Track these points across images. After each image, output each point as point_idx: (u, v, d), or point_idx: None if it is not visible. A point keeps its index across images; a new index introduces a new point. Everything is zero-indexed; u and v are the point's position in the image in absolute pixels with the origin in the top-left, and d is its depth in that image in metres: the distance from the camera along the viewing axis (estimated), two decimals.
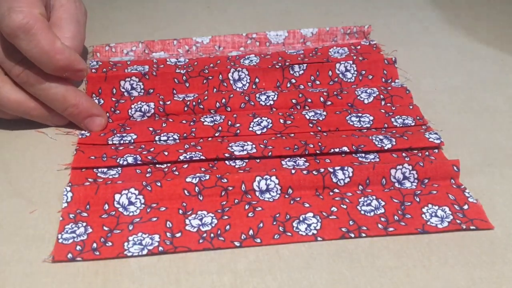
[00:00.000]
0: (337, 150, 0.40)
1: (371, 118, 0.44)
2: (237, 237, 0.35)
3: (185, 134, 0.42)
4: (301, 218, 0.36)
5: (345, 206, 0.37)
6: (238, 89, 0.47)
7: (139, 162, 0.40)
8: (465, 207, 0.37)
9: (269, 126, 0.43)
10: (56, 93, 0.41)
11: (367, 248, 0.34)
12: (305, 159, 0.40)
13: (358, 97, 0.46)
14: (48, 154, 0.41)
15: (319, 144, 0.40)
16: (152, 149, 0.41)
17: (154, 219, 0.36)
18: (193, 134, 0.42)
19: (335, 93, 0.46)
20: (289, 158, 0.40)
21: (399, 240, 0.35)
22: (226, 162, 0.40)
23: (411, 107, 0.45)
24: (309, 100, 0.45)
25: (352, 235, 0.35)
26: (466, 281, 0.32)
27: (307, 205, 0.37)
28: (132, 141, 0.42)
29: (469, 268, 0.33)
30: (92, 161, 0.40)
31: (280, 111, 0.45)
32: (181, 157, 0.40)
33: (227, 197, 0.37)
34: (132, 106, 0.44)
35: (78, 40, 0.44)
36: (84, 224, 0.35)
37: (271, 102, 0.45)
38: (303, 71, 0.48)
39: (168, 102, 0.45)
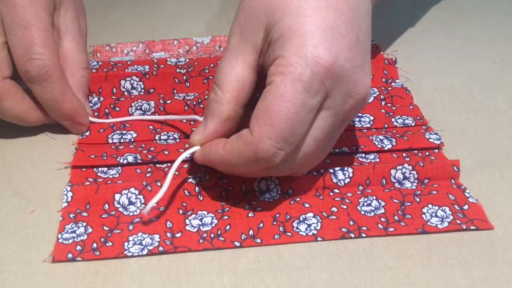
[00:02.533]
0: (337, 150, 0.40)
1: (371, 118, 0.44)
2: (237, 237, 0.35)
3: (185, 134, 0.42)
4: (301, 218, 0.36)
5: (345, 206, 0.37)
6: None
7: (139, 161, 0.40)
8: (465, 207, 0.37)
9: None
10: (54, 94, 0.41)
11: (367, 248, 0.34)
12: None
13: None
14: (48, 153, 0.41)
15: None
16: (152, 148, 0.41)
17: (154, 219, 0.36)
18: None
19: None
20: None
21: (399, 240, 0.35)
22: None
23: (411, 107, 0.45)
24: None
25: (352, 235, 0.35)
26: (466, 281, 0.32)
27: (307, 205, 0.37)
28: (133, 139, 0.42)
29: (469, 268, 0.33)
30: (92, 159, 0.40)
31: None
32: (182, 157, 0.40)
33: (227, 197, 0.37)
34: (132, 104, 0.44)
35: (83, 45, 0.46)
36: (84, 224, 0.35)
37: None
38: None
39: (169, 101, 0.45)
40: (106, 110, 0.44)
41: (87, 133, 0.43)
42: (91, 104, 0.45)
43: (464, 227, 0.35)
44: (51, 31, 0.41)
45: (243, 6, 0.34)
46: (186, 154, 0.36)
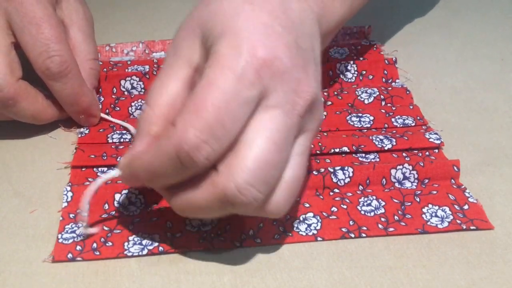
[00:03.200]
0: (337, 150, 0.40)
1: (372, 118, 0.44)
2: (237, 237, 0.35)
3: None
4: (301, 218, 0.36)
5: (345, 206, 0.37)
6: None
7: None
8: (465, 207, 0.37)
9: None
10: (74, 88, 0.41)
11: (367, 248, 0.34)
12: None
13: (359, 97, 0.46)
14: (48, 153, 0.41)
15: (319, 144, 0.40)
16: None
17: (154, 219, 0.36)
18: None
19: (335, 93, 0.46)
20: None
21: (399, 240, 0.35)
22: None
23: (411, 107, 0.45)
24: None
25: (352, 235, 0.35)
26: (466, 281, 0.32)
27: (307, 205, 0.37)
28: (133, 139, 0.42)
29: (469, 268, 0.33)
30: (92, 159, 0.40)
31: None
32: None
33: None
34: (132, 104, 0.44)
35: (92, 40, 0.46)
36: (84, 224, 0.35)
37: None
38: None
39: None
40: (107, 110, 0.44)
41: (87, 132, 0.43)
42: None
43: (464, 227, 0.35)
44: (61, 25, 0.41)
45: (179, 27, 0.33)
46: (104, 179, 0.33)
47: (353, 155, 0.40)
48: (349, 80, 0.48)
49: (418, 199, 0.37)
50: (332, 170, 0.38)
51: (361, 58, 0.49)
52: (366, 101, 0.46)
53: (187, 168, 0.28)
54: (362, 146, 0.40)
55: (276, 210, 0.30)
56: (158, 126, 0.31)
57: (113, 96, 0.45)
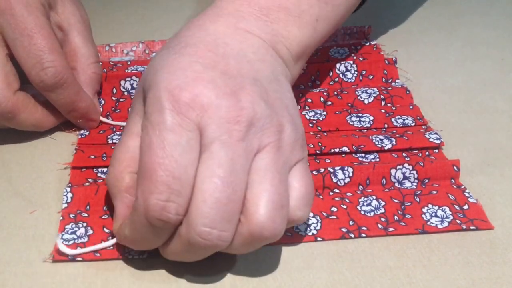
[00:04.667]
0: (337, 150, 0.40)
1: (371, 118, 0.44)
2: None
3: None
4: None
5: (345, 206, 0.37)
6: None
7: None
8: (465, 207, 0.37)
9: None
10: (70, 97, 0.41)
11: (367, 248, 0.34)
12: None
13: (358, 97, 0.46)
14: (48, 154, 0.41)
15: (319, 144, 0.40)
16: None
17: None
18: None
19: (335, 93, 0.46)
20: None
21: (399, 240, 0.35)
22: None
23: (411, 107, 0.45)
24: (309, 100, 0.45)
25: (352, 235, 0.35)
26: (466, 281, 0.32)
27: None
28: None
29: (469, 268, 0.33)
30: (92, 160, 0.40)
31: None
32: None
33: None
34: None
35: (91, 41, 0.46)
36: (85, 224, 0.35)
37: None
38: (304, 71, 0.48)
39: None
40: (107, 113, 0.44)
41: (87, 133, 0.43)
42: None
43: (464, 227, 0.35)
44: (54, 35, 0.41)
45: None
46: (106, 245, 0.34)
47: (353, 155, 0.40)
48: (349, 80, 0.48)
49: (418, 199, 0.37)
50: (332, 170, 0.38)
51: (361, 58, 0.49)
52: (366, 101, 0.46)
53: (165, 229, 0.30)
54: (362, 146, 0.40)
55: (267, 230, 0.29)
56: (126, 180, 0.32)
57: (113, 98, 0.45)
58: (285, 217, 0.30)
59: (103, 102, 0.45)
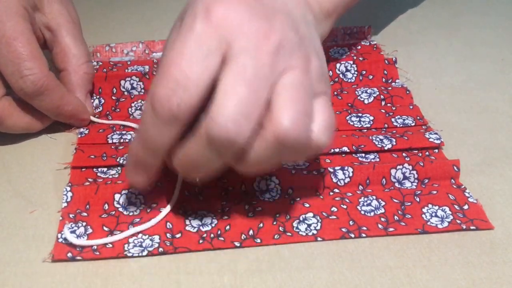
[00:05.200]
0: (337, 150, 0.40)
1: (371, 118, 0.44)
2: (237, 237, 0.35)
3: None
4: (301, 218, 0.36)
5: (345, 206, 0.37)
6: None
7: None
8: (465, 207, 0.37)
9: None
10: (54, 102, 0.41)
11: (367, 248, 0.34)
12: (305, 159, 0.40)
13: (358, 97, 0.46)
14: (48, 154, 0.41)
15: None
16: None
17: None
18: None
19: (335, 93, 0.46)
20: None
21: (399, 240, 0.35)
22: None
23: (411, 107, 0.45)
24: None
25: (352, 235, 0.35)
26: (466, 281, 0.32)
27: (307, 205, 0.37)
28: (133, 140, 0.42)
29: (469, 268, 0.33)
30: (92, 160, 0.40)
31: None
32: None
33: (227, 197, 0.37)
34: (132, 104, 0.44)
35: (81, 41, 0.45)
36: (84, 223, 0.35)
37: None
38: None
39: None
40: (107, 112, 0.44)
41: (86, 132, 0.43)
42: (93, 106, 0.45)
43: (464, 227, 0.35)
44: (35, 40, 0.40)
45: None
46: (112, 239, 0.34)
47: (353, 155, 0.40)
48: (349, 80, 0.48)
49: (418, 199, 0.37)
50: (332, 170, 0.38)
51: (361, 58, 0.49)
52: (366, 101, 0.46)
53: (169, 123, 0.30)
54: (362, 146, 0.40)
55: (291, 134, 0.29)
56: None
57: (113, 98, 0.45)
58: (309, 127, 0.31)
59: (103, 101, 0.45)
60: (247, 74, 0.29)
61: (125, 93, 0.46)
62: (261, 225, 0.35)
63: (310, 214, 0.36)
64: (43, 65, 0.39)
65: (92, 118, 0.43)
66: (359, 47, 0.51)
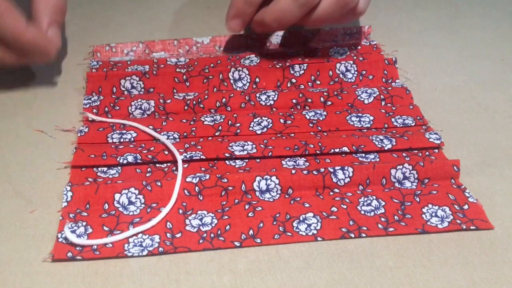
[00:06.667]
0: (337, 150, 0.40)
1: (371, 118, 0.44)
2: (237, 237, 0.35)
3: (185, 133, 0.42)
4: (301, 218, 0.36)
5: (345, 206, 0.37)
6: (238, 89, 0.47)
7: (139, 161, 0.40)
8: (465, 207, 0.37)
9: (269, 126, 0.43)
10: (6, 29, 0.40)
11: (367, 248, 0.34)
12: (305, 159, 0.40)
13: (359, 97, 0.46)
14: (48, 153, 0.41)
15: (319, 144, 0.40)
16: (152, 148, 0.41)
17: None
18: (193, 134, 0.42)
19: (335, 93, 0.46)
20: (289, 158, 0.40)
21: (399, 240, 0.35)
22: (226, 162, 0.40)
23: (411, 107, 0.45)
24: (309, 100, 0.45)
25: (352, 235, 0.35)
26: (466, 281, 0.32)
27: (307, 205, 0.37)
28: (132, 139, 0.42)
29: (469, 268, 0.33)
30: (92, 159, 0.40)
31: (280, 111, 0.45)
32: (181, 157, 0.40)
33: (227, 197, 0.37)
34: (132, 103, 0.44)
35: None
36: (84, 223, 0.35)
37: (271, 102, 0.45)
38: (304, 71, 0.48)
39: (168, 101, 0.45)
40: (106, 108, 0.44)
41: (86, 130, 0.42)
42: (90, 101, 0.45)
43: (464, 227, 0.35)
44: None
45: None
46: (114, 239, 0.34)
47: (353, 155, 0.40)
48: (349, 80, 0.48)
49: (418, 199, 0.37)
50: (332, 170, 0.38)
51: (361, 58, 0.49)
52: (366, 101, 0.46)
53: None
54: (362, 146, 0.40)
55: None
56: None
57: (113, 96, 0.45)
58: None
59: (102, 98, 0.45)
60: None
61: (125, 92, 0.46)
62: (261, 225, 0.35)
63: (310, 214, 0.36)
64: None
65: (92, 116, 0.43)
66: (359, 47, 0.51)
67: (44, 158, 0.41)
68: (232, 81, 0.47)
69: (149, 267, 0.33)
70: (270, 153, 0.40)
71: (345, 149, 0.40)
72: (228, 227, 0.35)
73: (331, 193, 0.38)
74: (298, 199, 0.37)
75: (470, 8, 0.61)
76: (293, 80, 0.48)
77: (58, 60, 0.51)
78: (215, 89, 0.47)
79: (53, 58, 0.43)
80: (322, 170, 0.38)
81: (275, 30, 0.47)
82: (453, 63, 0.52)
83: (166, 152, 0.40)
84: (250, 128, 0.43)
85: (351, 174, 0.38)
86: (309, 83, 0.48)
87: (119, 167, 0.40)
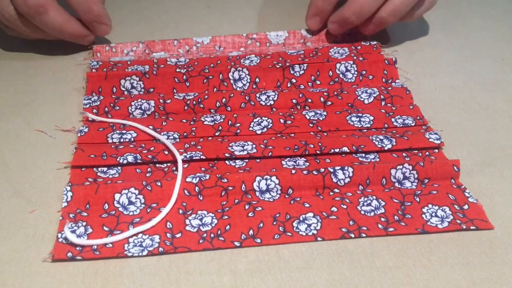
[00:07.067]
0: (337, 150, 0.40)
1: (371, 118, 0.44)
2: (237, 237, 0.35)
3: (185, 133, 0.42)
4: (301, 218, 0.36)
5: (345, 206, 0.37)
6: (238, 89, 0.47)
7: (139, 161, 0.40)
8: (465, 207, 0.37)
9: (269, 126, 0.43)
10: (52, 24, 0.47)
11: (367, 248, 0.34)
12: (305, 159, 0.40)
13: (359, 97, 0.46)
14: (48, 153, 0.41)
15: (319, 144, 0.40)
16: (152, 148, 0.41)
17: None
18: (193, 134, 0.42)
19: (335, 93, 0.46)
20: (289, 158, 0.40)
21: (399, 240, 0.35)
22: (226, 162, 0.40)
23: (411, 107, 0.45)
24: (310, 100, 0.45)
25: (352, 235, 0.35)
26: (466, 281, 0.32)
27: (307, 205, 0.37)
28: (132, 139, 0.42)
29: (469, 268, 0.33)
30: (92, 159, 0.40)
31: (281, 111, 0.45)
32: (181, 157, 0.40)
33: (227, 197, 0.37)
34: (132, 103, 0.44)
35: None
36: (84, 223, 0.35)
37: (272, 102, 0.45)
38: (304, 71, 0.48)
39: (168, 101, 0.45)
40: (106, 108, 0.44)
41: (86, 130, 0.42)
42: (90, 101, 0.45)
43: (464, 227, 0.35)
44: None
45: None
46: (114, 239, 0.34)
47: (353, 155, 0.40)
48: (349, 80, 0.48)
49: (418, 199, 0.37)
50: (332, 170, 0.38)
51: (361, 58, 0.49)
52: (366, 101, 0.46)
53: None
54: (362, 146, 0.40)
55: None
56: None
57: (113, 96, 0.45)
58: None
59: (102, 98, 0.45)
60: None
61: (125, 92, 0.46)
62: (261, 225, 0.35)
63: (310, 214, 0.36)
64: None
65: (92, 116, 0.43)
66: (359, 47, 0.51)
67: (44, 158, 0.41)
68: (232, 81, 0.47)
69: (149, 267, 0.33)
70: (270, 153, 0.40)
71: (345, 149, 0.40)
72: (228, 227, 0.35)
73: (331, 193, 0.38)
74: (298, 199, 0.37)
75: (470, 8, 0.61)
76: (293, 80, 0.48)
77: (58, 60, 0.51)
78: (215, 89, 0.47)
79: (110, 31, 0.51)
80: (322, 170, 0.38)
81: (354, 24, 0.49)
82: (453, 63, 0.52)
83: (166, 152, 0.40)
84: (250, 128, 0.43)
85: (351, 174, 0.38)
86: (309, 83, 0.48)
87: (119, 167, 0.40)
